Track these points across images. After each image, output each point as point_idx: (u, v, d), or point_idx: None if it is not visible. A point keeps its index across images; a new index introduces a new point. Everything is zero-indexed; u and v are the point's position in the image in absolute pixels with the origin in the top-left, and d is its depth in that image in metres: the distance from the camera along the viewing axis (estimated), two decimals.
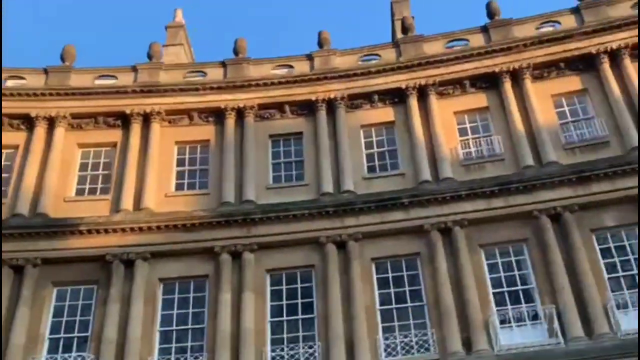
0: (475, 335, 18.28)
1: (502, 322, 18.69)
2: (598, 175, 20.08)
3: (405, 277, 20.07)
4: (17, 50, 54.96)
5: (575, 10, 24.42)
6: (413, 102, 23.46)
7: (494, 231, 20.15)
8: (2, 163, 23.02)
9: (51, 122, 23.69)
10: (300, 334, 19.39)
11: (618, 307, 18.26)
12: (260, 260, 20.45)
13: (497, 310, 18.93)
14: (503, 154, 21.88)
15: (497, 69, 23.41)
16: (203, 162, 23.33)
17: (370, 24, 60.05)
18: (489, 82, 23.53)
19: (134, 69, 25.58)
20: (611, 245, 19.47)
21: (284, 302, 19.98)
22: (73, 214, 21.40)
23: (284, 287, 20.25)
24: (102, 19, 71.13)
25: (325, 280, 19.83)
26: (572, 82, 23.01)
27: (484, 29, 24.97)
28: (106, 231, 20.97)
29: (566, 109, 22.67)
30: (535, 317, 18.64)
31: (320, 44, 26.17)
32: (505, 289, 19.38)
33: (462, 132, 23.01)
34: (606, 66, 22.59)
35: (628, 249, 19.28)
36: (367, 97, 23.99)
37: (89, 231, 20.91)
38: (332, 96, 23.87)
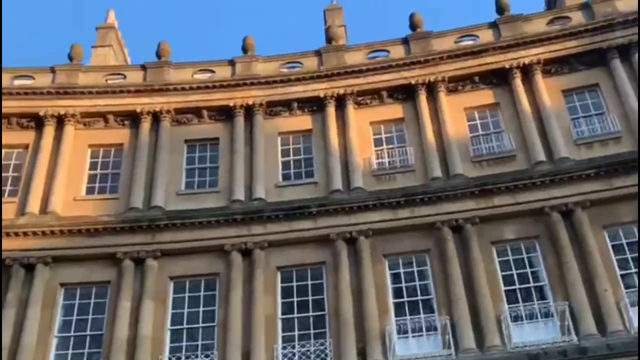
0: (370, 345, 18.37)
1: (399, 332, 18.83)
2: (500, 188, 20.38)
3: (310, 286, 20.08)
4: None
5: (493, 25, 24.80)
6: (331, 111, 23.53)
7: (399, 241, 20.29)
8: None
9: None
10: (200, 342, 19.27)
11: (513, 320, 18.55)
12: (164, 268, 20.28)
13: (396, 320, 19.06)
14: (414, 165, 22.04)
15: (413, 81, 23.60)
16: (116, 166, 23.05)
17: (305, 31, 60.11)
18: (406, 93, 23.71)
19: (52, 70, 25.19)
20: (510, 258, 19.79)
21: (186, 309, 19.83)
22: None
23: (186, 295, 20.10)
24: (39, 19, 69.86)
25: (228, 289, 19.74)
26: (485, 96, 23.33)
27: (405, 41, 25.20)
28: (8, 235, 20.54)
29: (478, 122, 22.96)
30: (431, 328, 18.79)
31: (245, 50, 26.11)
32: (406, 299, 19.51)
33: (378, 142, 23.14)
34: (518, 81, 22.96)
35: (526, 262, 19.63)
36: (286, 105, 23.99)
37: None
38: (250, 102, 23.81)
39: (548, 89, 22.67)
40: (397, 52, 25.01)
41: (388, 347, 18.37)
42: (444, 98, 23.24)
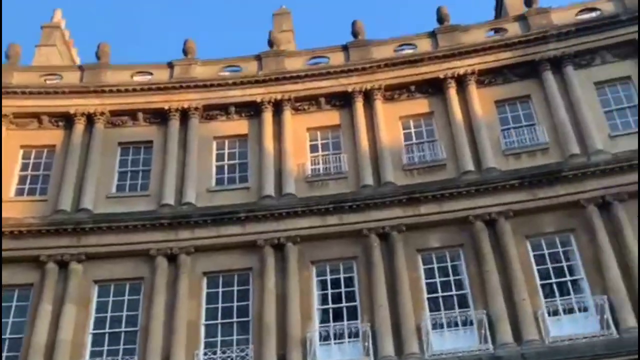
0: (291, 352, 18.38)
1: (321, 339, 18.87)
2: (427, 197, 20.55)
3: (236, 292, 20.03)
4: None
5: (432, 35, 25.03)
6: (267, 116, 23.52)
7: (327, 248, 20.34)
8: None
9: None
10: (121, 347, 19.11)
11: (434, 328, 18.71)
12: (88, 271, 20.08)
13: (320, 327, 19.11)
14: (347, 173, 22.12)
15: (350, 89, 23.69)
16: (47, 167, 22.77)
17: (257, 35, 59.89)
18: (343, 100, 23.78)
19: None
20: (435, 265, 19.96)
21: (109, 313, 19.66)
22: None
23: (110, 299, 19.93)
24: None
25: (152, 293, 19.61)
26: (421, 105, 23.47)
27: (345, 48, 25.30)
28: None
29: (412, 130, 23.15)
30: (354, 334, 18.86)
31: (185, 53, 26.00)
32: (331, 305, 19.57)
33: (313, 148, 23.18)
34: (452, 91, 23.15)
35: (450, 270, 19.81)
36: (223, 109, 23.93)
37: None
38: (186, 106, 23.70)
39: (481, 99, 22.92)
40: (337, 59, 25.10)
41: (309, 354, 18.39)
42: (380, 106, 23.37)
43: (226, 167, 22.92)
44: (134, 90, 24.09)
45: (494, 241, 19.65)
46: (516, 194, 20.20)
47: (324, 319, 19.35)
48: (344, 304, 19.56)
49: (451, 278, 19.64)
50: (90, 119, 23.42)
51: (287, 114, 23.55)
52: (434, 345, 18.29)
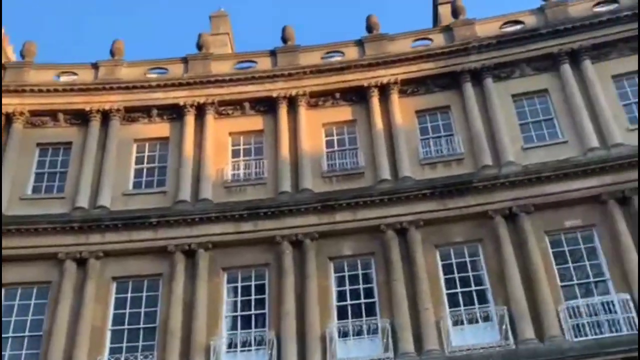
0: (194, 359, 18.29)
1: (228, 346, 18.84)
2: (342, 205, 20.64)
3: (145, 298, 19.88)
4: None
5: (359, 43, 25.16)
6: (190, 119, 23.40)
7: (240, 255, 20.30)
8: None
9: None
10: (24, 352, 18.86)
11: (340, 335, 18.73)
12: None
13: (228, 334, 19.08)
14: (266, 179, 22.11)
15: (275, 94, 23.69)
16: None
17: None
18: (267, 106, 23.77)
19: None
20: (346, 274, 20.06)
21: (13, 317, 19.35)
22: None
23: (16, 303, 19.60)
24: None
25: (59, 298, 19.34)
26: (344, 113, 23.59)
27: (273, 53, 25.29)
28: None
29: (335, 138, 23.25)
30: (261, 342, 18.84)
31: (112, 53, 25.71)
32: (240, 313, 19.55)
33: (235, 153, 23.13)
34: (375, 100, 23.28)
35: (361, 278, 19.91)
36: (145, 111, 23.75)
37: None
38: (107, 107, 23.46)
39: (402, 108, 23.09)
40: (265, 64, 25.08)
41: None
42: (304, 112, 23.41)
43: (145, 170, 22.74)
44: (55, 90, 23.78)
45: (404, 250, 19.81)
46: (427, 203, 20.39)
47: (232, 327, 19.32)
48: (252, 311, 19.54)
49: (361, 286, 19.75)
50: (9, 119, 23.07)
51: (210, 118, 23.46)
52: (339, 354, 18.37)
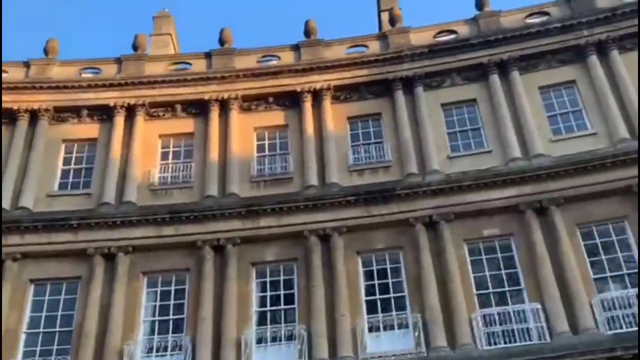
0: None
1: (144, 350, 18.69)
2: (266, 210, 20.62)
3: (63, 301, 19.63)
4: None
5: (295, 48, 25.19)
6: (119, 120, 23.18)
7: (160, 259, 20.15)
8: None
9: None
10: None
11: (257, 342, 18.71)
12: None
13: (144, 338, 18.93)
14: (194, 182, 21.99)
15: (207, 97, 23.58)
16: None
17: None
18: (199, 108, 23.65)
19: None
20: (268, 279, 20.01)
21: None
22: None
23: None
24: None
25: None
26: (277, 117, 23.58)
27: (208, 56, 25.19)
28: None
29: (266, 142, 23.22)
30: (177, 347, 18.70)
31: (46, 52, 25.34)
32: (158, 318, 19.41)
33: (165, 155, 22.96)
34: (308, 105, 23.32)
35: (282, 284, 19.86)
36: (75, 111, 23.46)
37: None
38: (35, 107, 23.11)
39: (335, 114, 23.16)
40: (199, 66, 24.97)
41: None
42: (236, 116, 23.34)
43: (72, 171, 22.46)
44: None
45: (326, 256, 19.86)
46: (352, 210, 20.46)
47: (150, 331, 19.16)
48: (171, 316, 19.40)
49: (282, 292, 19.74)
50: None
51: (140, 119, 23.27)
52: (255, 358, 18.36)
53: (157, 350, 18.70)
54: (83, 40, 62.44)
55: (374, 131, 23.04)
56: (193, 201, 21.28)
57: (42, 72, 24.36)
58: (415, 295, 18.94)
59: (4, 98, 23.28)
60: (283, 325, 19.00)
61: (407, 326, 18.60)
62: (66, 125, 23.31)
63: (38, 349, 18.74)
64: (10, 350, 18.49)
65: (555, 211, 19.41)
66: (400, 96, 23.12)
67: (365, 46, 25.09)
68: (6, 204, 20.93)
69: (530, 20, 24.27)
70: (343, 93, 23.64)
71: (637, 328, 17.18)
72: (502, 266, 19.32)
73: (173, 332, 19.04)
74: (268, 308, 19.46)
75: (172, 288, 19.90)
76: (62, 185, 22.13)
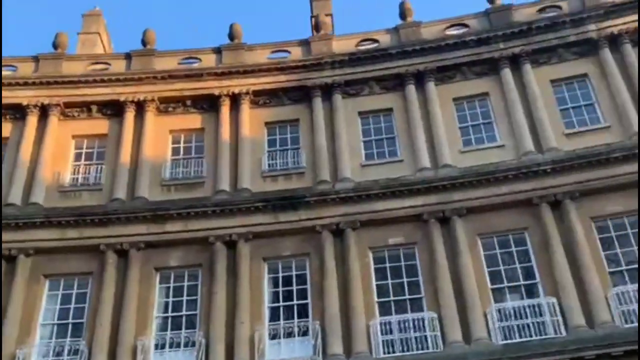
0: None
1: (39, 355, 18.45)
2: (172, 215, 20.44)
3: None
4: None
5: (217, 50, 25.05)
6: (32, 120, 22.86)
7: (64, 262, 19.92)
8: None
9: None
10: None
11: (156, 348, 18.54)
12: None
13: (40, 342, 18.73)
14: (104, 185, 21.70)
15: (123, 98, 23.31)
16: None
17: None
18: (114, 109, 23.36)
19: None
20: (171, 285, 19.81)
21: None
22: None
23: None
24: None
25: None
26: (194, 120, 23.42)
27: (128, 56, 24.91)
28: None
29: (182, 145, 23.03)
30: (74, 352, 18.41)
31: None
32: (56, 322, 19.18)
33: (78, 157, 22.64)
34: (225, 109, 23.19)
35: (185, 290, 19.62)
36: None
37: None
38: None
39: (252, 119, 23.10)
40: (119, 66, 24.68)
41: None
42: (151, 118, 23.13)
43: None
44: None
45: (231, 263, 19.78)
46: (260, 216, 20.44)
47: (48, 336, 18.90)
48: (70, 320, 19.15)
49: (184, 298, 19.59)
50: None
51: (54, 120, 22.91)
52: None
53: (54, 355, 18.40)
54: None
55: (292, 137, 23.05)
56: (100, 204, 20.99)
57: None
58: (318, 302, 18.99)
59: None
60: (183, 331, 18.89)
61: (307, 333, 18.65)
62: None
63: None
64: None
65: (457, 221, 19.67)
66: (318, 103, 23.18)
67: (288, 52, 25.10)
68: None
69: (449, 32, 24.54)
70: (262, 98, 23.60)
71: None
72: (404, 274, 19.53)
73: (71, 337, 18.81)
74: (170, 314, 19.30)
75: (74, 292, 19.65)
76: None
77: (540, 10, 24.27)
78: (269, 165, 22.17)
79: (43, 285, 19.58)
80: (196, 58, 25.05)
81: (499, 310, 18.16)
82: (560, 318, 17.64)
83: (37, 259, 19.74)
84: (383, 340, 18.20)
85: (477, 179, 20.23)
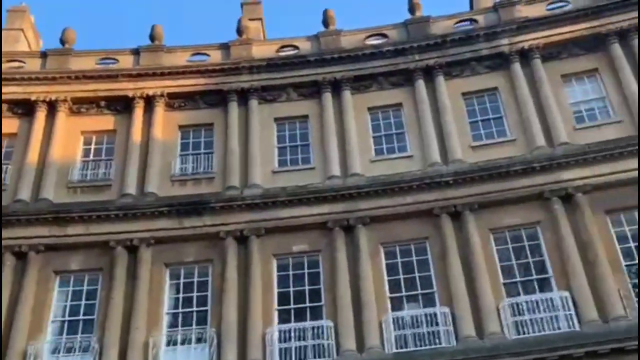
0: None
1: None
2: (74, 217, 20.22)
3: None
4: None
5: (135, 52, 24.78)
6: None
7: None
8: None
9: None
10: None
11: (52, 352, 18.35)
12: None
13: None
14: (8, 185, 21.27)
15: (34, 97, 22.95)
16: None
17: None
18: (26, 109, 22.99)
19: None
20: (71, 288, 19.59)
21: None
22: None
23: None
24: None
25: None
26: (106, 122, 23.14)
27: (44, 55, 24.55)
28: None
29: (92, 147, 22.72)
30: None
31: None
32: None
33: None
34: (139, 111, 22.95)
35: (84, 294, 19.49)
36: None
37: None
38: None
39: (166, 122, 22.94)
40: (34, 65, 24.27)
41: None
42: (63, 119, 22.80)
43: None
44: None
45: (132, 268, 19.57)
46: (164, 221, 20.30)
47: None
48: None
49: (83, 302, 19.35)
50: None
51: None
52: None
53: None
54: None
55: (205, 141, 22.91)
56: (4, 205, 20.54)
57: None
58: (217, 309, 18.90)
59: None
60: (79, 336, 18.66)
61: (205, 340, 18.55)
62: None
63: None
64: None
65: (362, 230, 19.81)
66: (234, 108, 23.11)
67: (208, 55, 24.97)
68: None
69: (369, 42, 24.71)
70: (178, 101, 23.44)
71: None
72: (307, 282, 19.57)
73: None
74: (66, 318, 19.03)
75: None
76: None
77: (457, 23, 24.71)
78: (180, 169, 22.02)
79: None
80: (114, 59, 24.74)
81: (395, 319, 18.34)
82: (451, 328, 17.90)
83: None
84: (280, 348, 18.22)
85: (383, 189, 20.40)
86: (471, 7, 28.60)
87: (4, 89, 23.06)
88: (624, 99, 21.27)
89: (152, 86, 23.42)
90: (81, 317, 19.05)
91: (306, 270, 19.75)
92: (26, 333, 18.27)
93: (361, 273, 19.03)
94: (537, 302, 17.98)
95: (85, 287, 19.58)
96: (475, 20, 24.56)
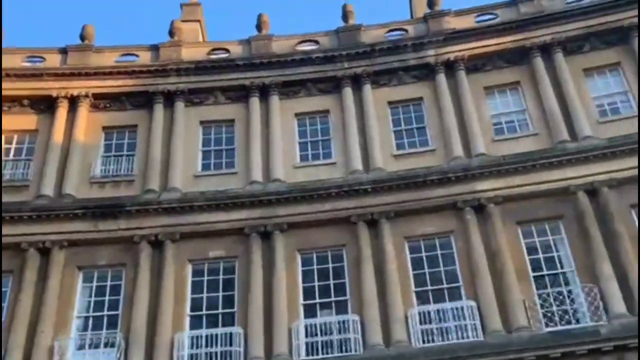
0: None
1: None
2: (13, 217, 19.87)
3: None
4: None
5: (63, 51, 24.40)
6: None
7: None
8: None
9: None
10: None
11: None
12: None
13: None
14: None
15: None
16: None
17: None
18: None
19: None
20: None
21: None
22: None
23: None
24: None
25: None
26: (29, 121, 22.76)
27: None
28: None
29: (13, 146, 22.36)
30: None
31: None
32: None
33: None
34: (63, 111, 22.64)
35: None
36: None
37: None
38: None
39: (90, 123, 22.83)
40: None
41: None
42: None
43: None
44: None
45: (44, 271, 19.29)
46: (78, 223, 20.07)
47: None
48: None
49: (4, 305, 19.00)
50: None
51: None
52: None
53: None
54: None
55: (129, 143, 22.70)
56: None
57: None
58: (127, 314, 18.71)
59: None
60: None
61: (113, 345, 18.35)
62: None
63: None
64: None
65: (279, 236, 19.81)
66: (159, 110, 22.94)
67: (137, 56, 24.73)
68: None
69: (300, 47, 24.72)
70: (103, 102, 23.22)
71: None
72: (221, 289, 19.48)
73: None
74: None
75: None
76: None
77: (388, 33, 24.90)
78: (101, 171, 21.79)
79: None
80: (41, 57, 24.35)
81: (307, 326, 18.38)
82: (360, 336, 18.00)
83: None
84: (190, 354, 18.13)
85: (302, 195, 20.44)
86: (411, 16, 28.95)
87: None
88: (543, 112, 21.70)
89: (77, 86, 23.14)
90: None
91: (221, 277, 19.67)
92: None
93: (275, 279, 19.01)
94: (445, 311, 18.20)
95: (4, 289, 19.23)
96: (406, 30, 24.79)
